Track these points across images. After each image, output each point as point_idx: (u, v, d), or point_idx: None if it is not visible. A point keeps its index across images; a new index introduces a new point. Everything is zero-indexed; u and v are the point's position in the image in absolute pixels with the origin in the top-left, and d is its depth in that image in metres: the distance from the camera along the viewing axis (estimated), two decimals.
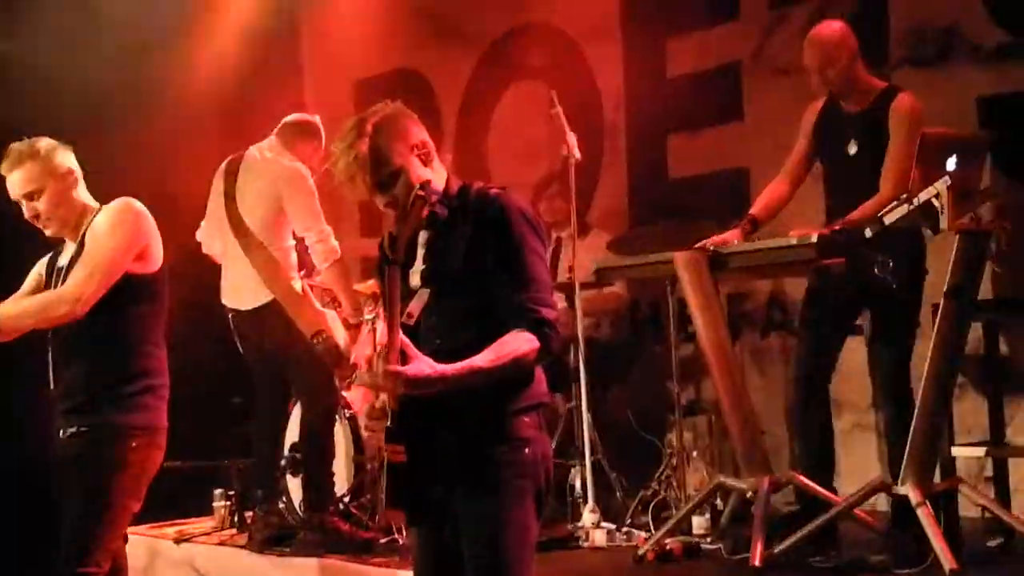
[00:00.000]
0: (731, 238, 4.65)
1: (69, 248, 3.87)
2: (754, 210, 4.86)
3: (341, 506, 5.47)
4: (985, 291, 4.78)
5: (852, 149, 4.68)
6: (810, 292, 4.87)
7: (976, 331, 4.68)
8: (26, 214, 3.81)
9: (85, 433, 3.73)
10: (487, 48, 7.55)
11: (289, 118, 5.59)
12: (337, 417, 5.60)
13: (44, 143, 3.80)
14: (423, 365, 2.72)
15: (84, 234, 3.78)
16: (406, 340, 2.74)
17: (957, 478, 4.41)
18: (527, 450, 2.92)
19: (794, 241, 4.29)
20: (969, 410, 5.10)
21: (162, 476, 3.87)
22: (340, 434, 5.67)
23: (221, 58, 7.49)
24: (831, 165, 4.82)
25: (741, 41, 6.24)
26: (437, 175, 2.98)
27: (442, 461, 2.87)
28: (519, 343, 2.80)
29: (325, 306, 5.31)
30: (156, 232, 3.85)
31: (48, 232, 3.85)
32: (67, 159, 3.84)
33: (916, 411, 4.08)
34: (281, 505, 5.55)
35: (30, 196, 3.77)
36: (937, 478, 4.29)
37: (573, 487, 5.40)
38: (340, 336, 5.22)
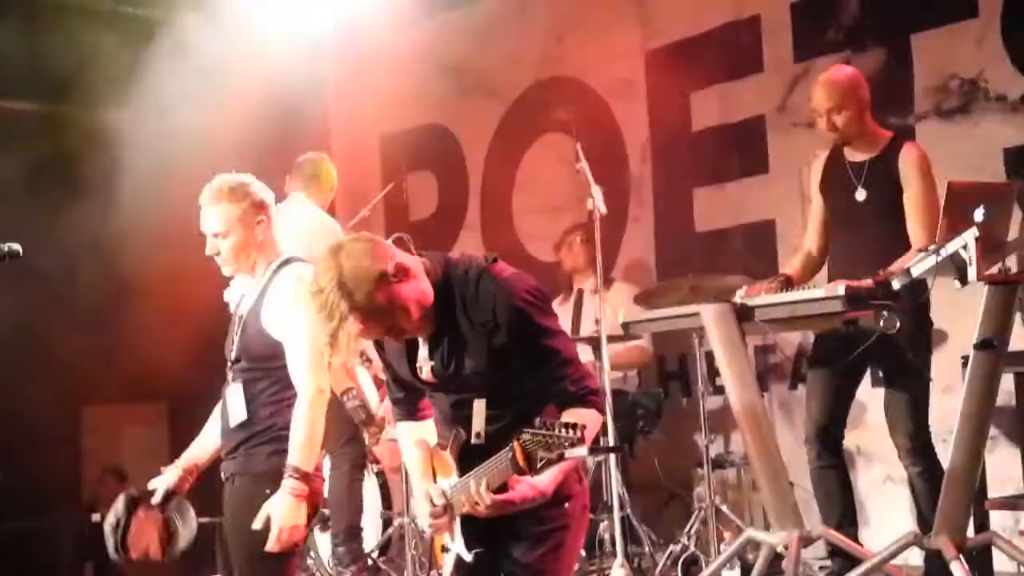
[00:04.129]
0: (765, 291, 4.64)
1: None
2: (789, 271, 4.87)
3: (370, 561, 5.46)
4: (1018, 342, 4.77)
5: (860, 196, 4.71)
6: (815, 350, 4.87)
7: (1007, 382, 4.65)
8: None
9: None
10: (513, 102, 7.60)
11: (299, 160, 5.66)
12: (365, 472, 5.60)
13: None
14: (526, 488, 2.81)
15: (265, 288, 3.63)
16: None
17: (991, 532, 4.37)
18: (567, 505, 3.01)
19: (821, 293, 4.28)
20: (1002, 463, 5.05)
21: None
22: (368, 489, 5.66)
23: (249, 113, 7.57)
24: (837, 212, 4.84)
25: (765, 94, 6.27)
26: (414, 268, 2.93)
27: (490, 524, 2.94)
28: (589, 422, 2.78)
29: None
30: None
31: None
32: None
33: (948, 464, 4.04)
34: (310, 561, 5.54)
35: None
36: (970, 532, 4.25)
37: (602, 542, 5.37)
38: (369, 392, 5.23)
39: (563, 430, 2.57)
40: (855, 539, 4.61)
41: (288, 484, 3.42)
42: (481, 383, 2.96)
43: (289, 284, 3.52)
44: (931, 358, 4.55)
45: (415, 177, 8.08)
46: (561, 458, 2.59)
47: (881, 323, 4.08)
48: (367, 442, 5.49)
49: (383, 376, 5.30)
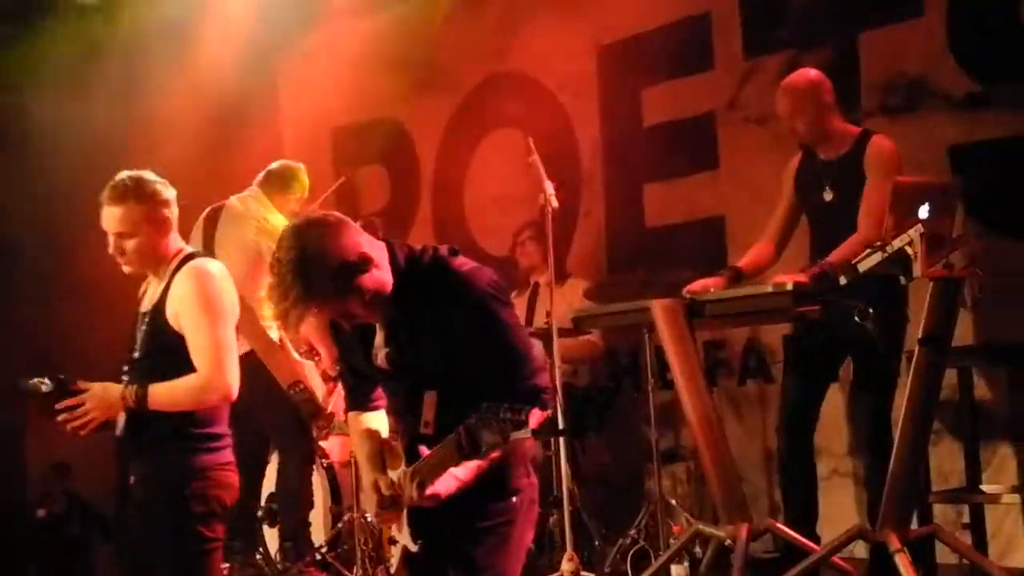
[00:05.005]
0: (713, 284, 4.68)
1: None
2: (740, 263, 4.91)
3: (319, 556, 5.44)
4: (965, 337, 4.84)
5: (828, 196, 4.76)
6: (793, 341, 4.92)
7: (951, 377, 4.71)
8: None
9: None
10: (465, 97, 7.59)
11: (273, 166, 5.62)
12: (314, 467, 5.58)
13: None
14: (450, 479, 2.83)
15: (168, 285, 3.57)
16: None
17: (934, 525, 4.43)
18: (514, 499, 3.02)
19: (769, 289, 4.32)
20: (945, 456, 5.12)
21: None
22: (318, 484, 5.64)
23: (199, 105, 7.51)
24: (810, 213, 4.90)
25: (716, 91, 6.29)
26: (378, 256, 2.94)
27: (437, 518, 2.95)
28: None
29: (303, 356, 5.31)
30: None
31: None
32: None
33: (892, 458, 4.09)
34: (258, 556, 5.51)
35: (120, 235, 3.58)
36: (915, 524, 4.30)
37: (552, 535, 5.39)
38: (317, 386, 5.22)
39: (508, 413, 2.60)
40: (812, 532, 4.66)
41: (124, 391, 3.45)
42: (435, 373, 2.96)
43: (191, 280, 3.51)
44: (902, 354, 4.59)
45: (367, 171, 8.06)
46: (506, 440, 2.62)
47: (856, 317, 4.12)
48: (315, 436, 5.48)
49: (331, 372, 5.34)
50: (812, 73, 4.87)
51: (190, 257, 3.59)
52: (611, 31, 6.79)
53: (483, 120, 7.46)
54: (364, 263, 2.88)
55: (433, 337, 2.94)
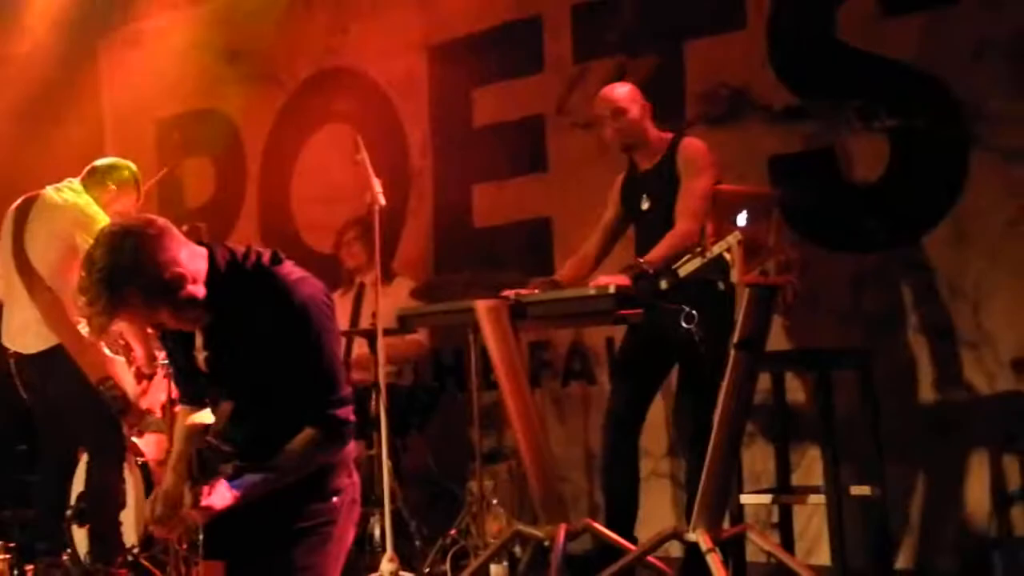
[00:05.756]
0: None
1: None
2: (559, 275, 4.98)
3: (130, 557, 5.29)
4: (779, 343, 4.98)
5: (645, 204, 4.88)
6: (623, 343, 4.99)
7: (765, 381, 4.85)
8: None
9: None
10: (294, 91, 7.48)
11: (98, 161, 5.44)
12: (126, 465, 5.43)
13: None
14: (224, 492, 2.76)
15: None
16: None
17: (745, 524, 4.55)
18: (334, 499, 2.98)
19: (592, 292, 4.37)
20: (757, 458, 5.26)
21: None
22: (130, 483, 5.48)
23: (17, 91, 7.24)
24: (633, 223, 5.00)
25: (545, 94, 6.34)
26: (196, 268, 2.86)
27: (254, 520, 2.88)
28: (312, 450, 2.86)
29: (117, 352, 5.15)
30: None
31: None
32: None
33: (707, 459, 4.18)
34: (65, 557, 5.33)
35: None
36: (727, 525, 4.41)
37: (372, 536, 5.35)
38: (128, 383, 5.07)
39: (223, 447, 2.65)
40: (631, 532, 4.73)
41: None
42: (244, 384, 2.90)
43: None
44: (727, 359, 4.68)
45: (191, 163, 7.87)
46: (213, 474, 2.70)
47: (682, 320, 4.18)
48: (126, 434, 5.33)
49: (145, 369, 5.20)
50: (628, 84, 5.04)
51: None
52: (442, 30, 6.78)
53: (312, 115, 7.36)
54: (179, 281, 2.79)
55: (246, 346, 2.88)
